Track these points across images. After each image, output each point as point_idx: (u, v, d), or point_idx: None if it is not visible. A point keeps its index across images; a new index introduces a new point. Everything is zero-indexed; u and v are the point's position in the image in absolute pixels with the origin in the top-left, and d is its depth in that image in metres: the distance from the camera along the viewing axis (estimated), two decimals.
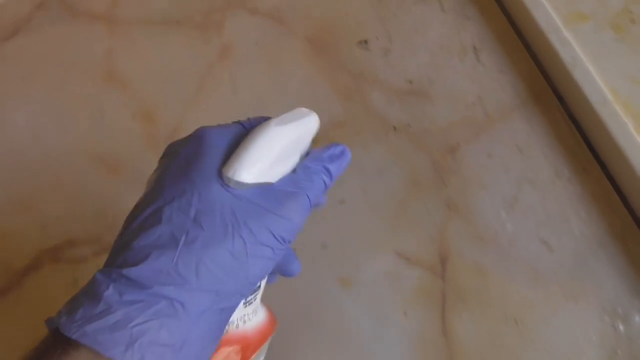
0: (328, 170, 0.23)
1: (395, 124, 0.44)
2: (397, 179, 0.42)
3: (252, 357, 0.26)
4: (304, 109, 0.24)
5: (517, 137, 0.41)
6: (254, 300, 0.25)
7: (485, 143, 0.41)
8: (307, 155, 0.24)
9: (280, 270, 0.26)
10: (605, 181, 0.38)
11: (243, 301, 0.23)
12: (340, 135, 0.44)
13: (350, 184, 0.42)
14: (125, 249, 0.19)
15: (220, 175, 0.20)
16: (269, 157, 0.21)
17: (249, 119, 0.24)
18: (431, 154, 0.42)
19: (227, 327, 0.21)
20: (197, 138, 0.22)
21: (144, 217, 0.20)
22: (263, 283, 0.26)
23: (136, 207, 0.21)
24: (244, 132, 0.22)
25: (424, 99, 0.44)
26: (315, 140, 0.26)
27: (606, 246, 0.37)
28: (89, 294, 0.19)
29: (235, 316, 0.24)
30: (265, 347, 0.28)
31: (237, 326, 0.24)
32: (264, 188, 0.21)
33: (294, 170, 0.22)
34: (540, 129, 0.40)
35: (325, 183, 0.23)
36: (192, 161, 0.21)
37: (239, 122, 0.23)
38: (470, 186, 0.40)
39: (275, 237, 0.20)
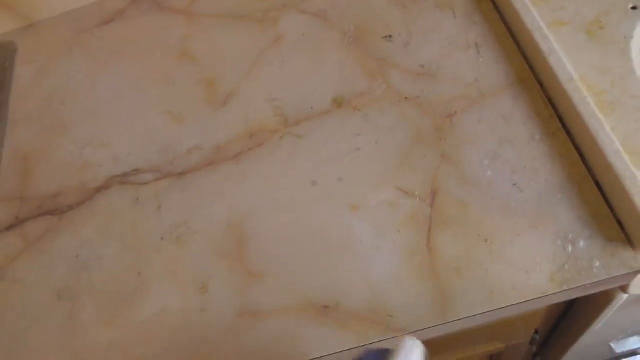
0: None
1: (407, 96, 0.58)
2: (403, 135, 0.55)
3: None
4: (407, 339, 0.32)
5: (504, 109, 0.54)
6: None
7: (477, 112, 0.54)
8: None
9: None
10: (569, 144, 0.51)
11: None
12: (363, 102, 0.58)
13: (365, 137, 0.56)
14: None
15: None
16: None
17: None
18: (433, 118, 0.55)
19: None
20: None
21: None
22: None
23: None
24: None
25: (432, 79, 0.58)
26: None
27: (565, 190, 0.48)
28: None
29: None
30: None
31: None
32: None
33: None
34: (522, 103, 0.54)
35: None
36: None
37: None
38: (461, 142, 0.53)
39: None
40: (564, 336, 0.75)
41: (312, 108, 0.60)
